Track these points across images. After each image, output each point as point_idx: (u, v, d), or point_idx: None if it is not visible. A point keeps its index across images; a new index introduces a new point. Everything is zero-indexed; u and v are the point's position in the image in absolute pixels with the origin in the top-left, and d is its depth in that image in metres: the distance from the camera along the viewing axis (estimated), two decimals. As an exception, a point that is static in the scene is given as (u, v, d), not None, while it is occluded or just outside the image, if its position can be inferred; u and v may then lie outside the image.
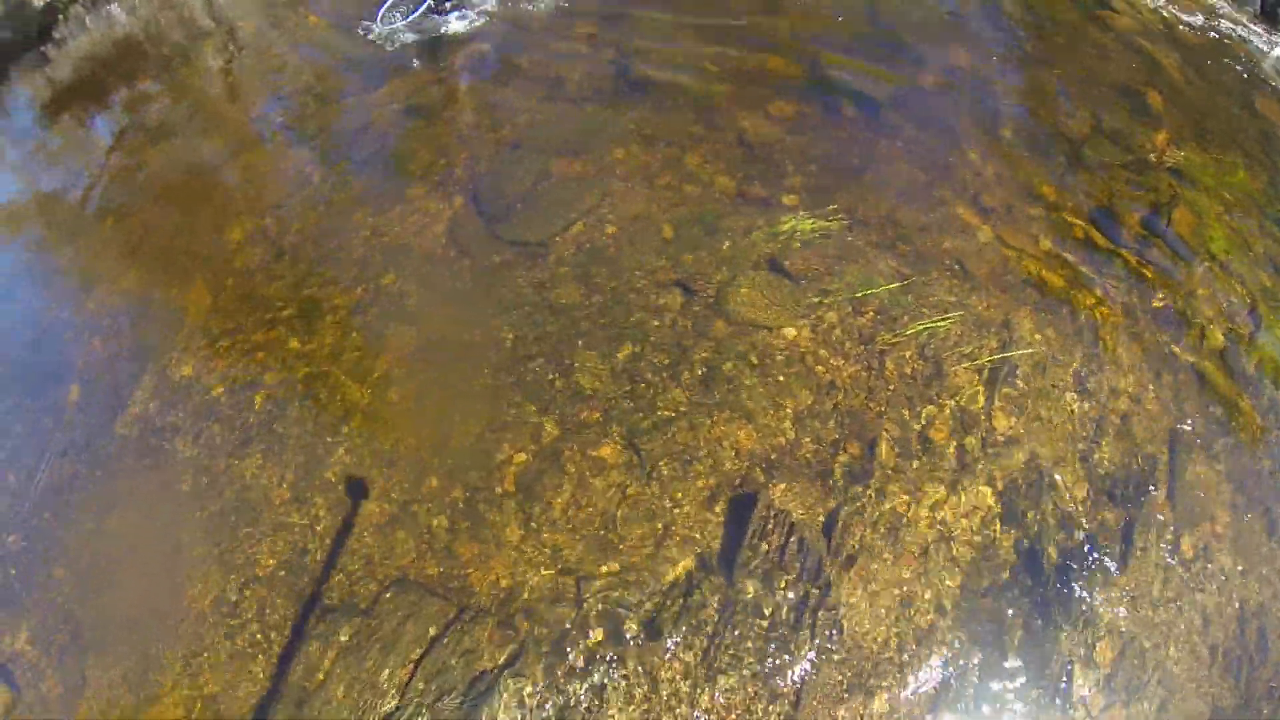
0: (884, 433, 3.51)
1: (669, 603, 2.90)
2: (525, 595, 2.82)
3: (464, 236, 3.66)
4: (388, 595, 2.60)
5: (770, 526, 3.11)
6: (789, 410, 3.31)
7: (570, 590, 2.81)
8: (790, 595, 2.95)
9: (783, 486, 3.27)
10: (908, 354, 3.56)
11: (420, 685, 2.43)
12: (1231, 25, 7.56)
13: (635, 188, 4.19)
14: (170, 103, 4.96)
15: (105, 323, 3.75)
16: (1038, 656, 2.98)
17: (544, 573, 2.87)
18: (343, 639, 2.52)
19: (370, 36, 5.09)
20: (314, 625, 2.59)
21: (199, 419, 3.16)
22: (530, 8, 5.67)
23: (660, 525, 3.01)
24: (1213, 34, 7.19)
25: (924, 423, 3.37)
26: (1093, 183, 4.89)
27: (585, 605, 2.82)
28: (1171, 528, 3.51)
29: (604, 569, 2.91)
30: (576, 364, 3.38)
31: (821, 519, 3.23)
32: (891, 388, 3.44)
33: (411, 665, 2.46)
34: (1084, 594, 3.35)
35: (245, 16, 5.75)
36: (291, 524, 2.93)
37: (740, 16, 5.85)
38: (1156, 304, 4.52)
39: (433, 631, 2.56)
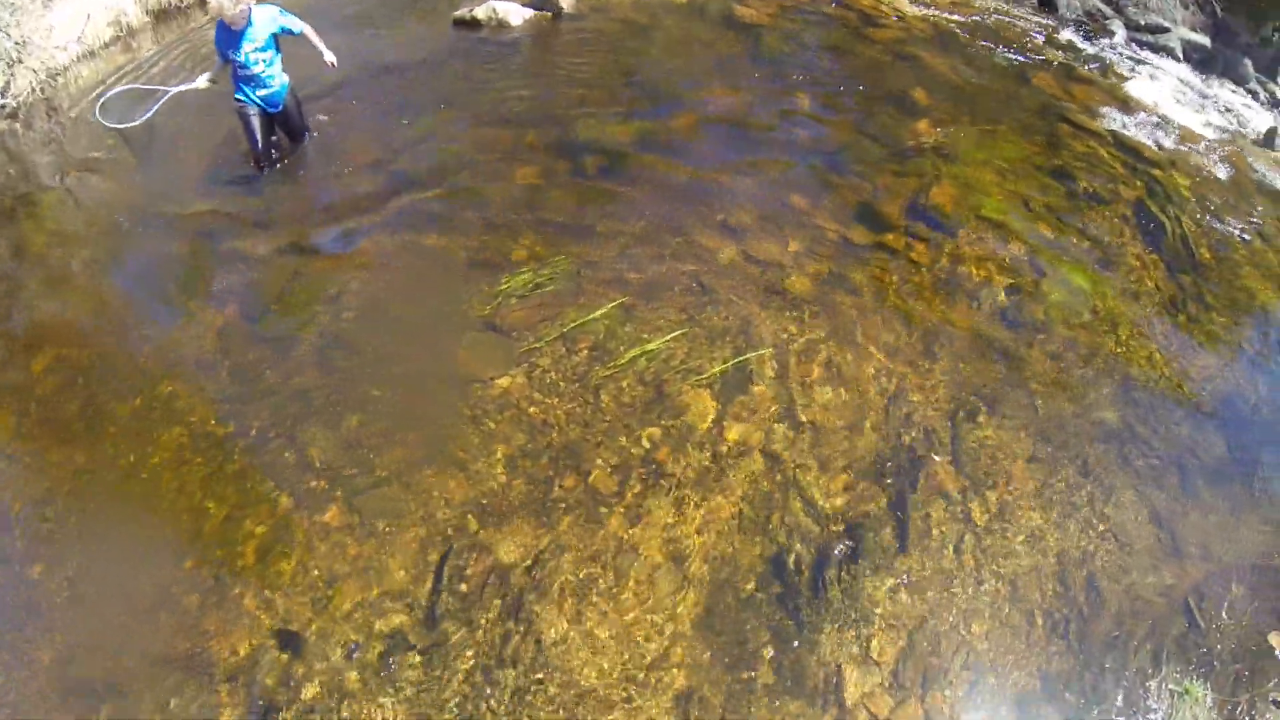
0: (599, 462, 4.19)
1: (379, 650, 3.57)
2: (259, 660, 3.52)
3: (229, 339, 4.88)
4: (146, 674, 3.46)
5: (469, 569, 3.78)
6: (500, 455, 3.84)
7: (292, 649, 3.57)
8: (493, 634, 3.56)
9: (491, 529, 3.94)
10: (625, 382, 4.19)
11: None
12: (1008, 18, 9.16)
13: (375, 275, 5.39)
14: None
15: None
16: (794, 668, 3.32)
17: (270, 641, 3.60)
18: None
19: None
20: (73, 704, 3.36)
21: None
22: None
23: (375, 580, 3.77)
24: (988, 29, 9.41)
25: (647, 446, 3.91)
26: (853, 185, 5.86)
27: (306, 662, 3.52)
28: (958, 498, 4.00)
29: (321, 627, 3.63)
30: (309, 440, 4.28)
31: (529, 558, 3.85)
32: (608, 418, 3.99)
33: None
34: (850, 590, 3.88)
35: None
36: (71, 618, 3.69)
37: (507, 95, 7.02)
38: (923, 279, 5.54)
39: (173, 703, 3.39)
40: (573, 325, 4.72)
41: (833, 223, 5.75)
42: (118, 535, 4.02)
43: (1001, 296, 5.36)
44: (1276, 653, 4.23)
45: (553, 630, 3.51)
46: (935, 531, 4.04)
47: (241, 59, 5.52)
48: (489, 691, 3.41)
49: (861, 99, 7.38)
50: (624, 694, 3.36)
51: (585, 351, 4.59)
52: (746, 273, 5.23)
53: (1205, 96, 10.79)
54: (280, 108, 5.97)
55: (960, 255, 5.57)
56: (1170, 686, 3.87)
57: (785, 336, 4.81)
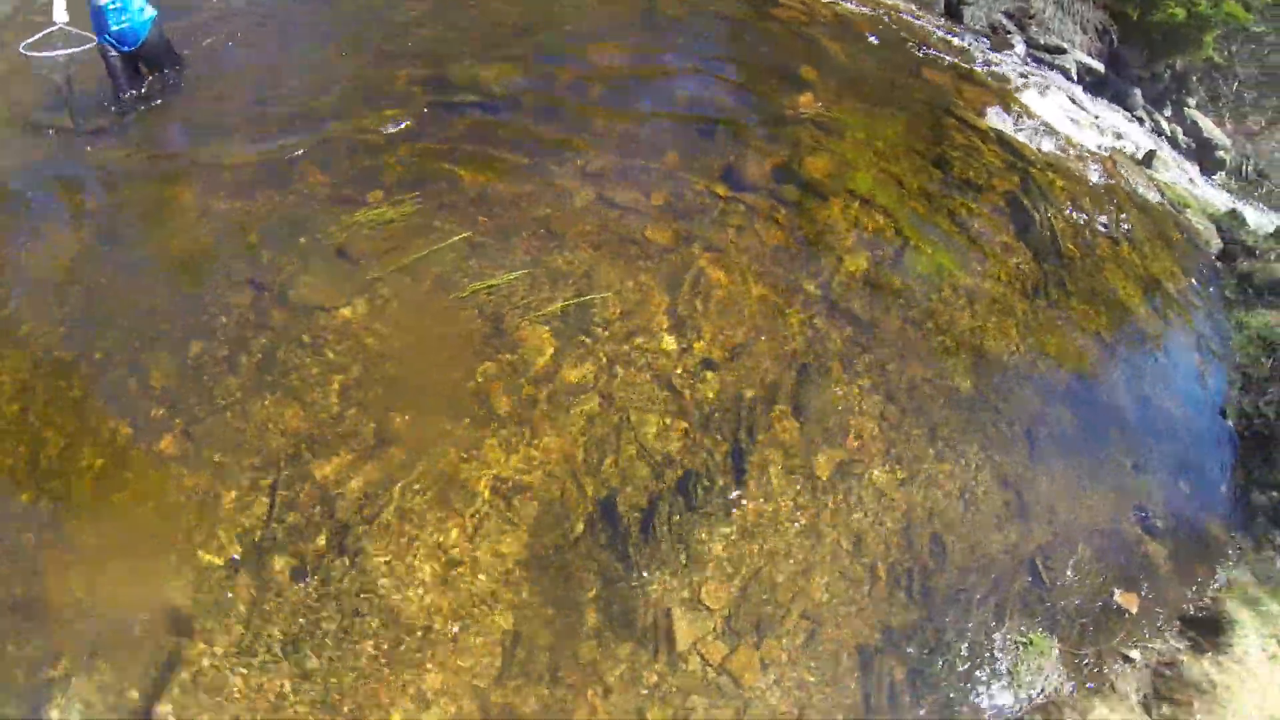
0: (434, 396, 4.23)
1: (205, 590, 3.60)
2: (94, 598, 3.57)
3: (82, 262, 5.00)
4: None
5: (300, 499, 3.79)
6: (335, 386, 3.70)
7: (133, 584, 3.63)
8: (321, 567, 3.57)
9: (322, 460, 3.94)
10: (465, 315, 4.03)
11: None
12: (913, 18, 9.64)
13: (235, 204, 5.36)
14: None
15: None
16: (623, 611, 3.19)
17: (110, 574, 3.65)
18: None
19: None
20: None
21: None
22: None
23: (210, 512, 3.79)
24: (891, 24, 10.02)
25: (480, 380, 3.77)
26: (725, 147, 6.03)
27: (144, 600, 3.59)
28: (801, 452, 3.98)
29: (160, 564, 3.67)
30: (152, 366, 4.36)
31: (359, 490, 3.84)
32: (445, 351, 3.83)
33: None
34: (681, 535, 3.92)
35: None
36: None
37: (395, 33, 6.96)
38: (783, 240, 5.72)
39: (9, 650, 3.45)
40: (417, 256, 4.62)
41: (699, 179, 5.85)
42: None
43: (863, 264, 5.50)
44: (1124, 610, 4.40)
45: (379, 565, 3.51)
46: (774, 483, 4.08)
47: None
48: (315, 624, 3.45)
49: (748, 69, 7.66)
50: (449, 632, 3.23)
51: (429, 284, 4.57)
52: (602, 218, 5.22)
53: (1093, 115, 11.65)
54: (138, 44, 5.88)
55: (824, 222, 5.77)
56: (1015, 638, 3.96)
57: (631, 284, 4.79)
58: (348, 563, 3.50)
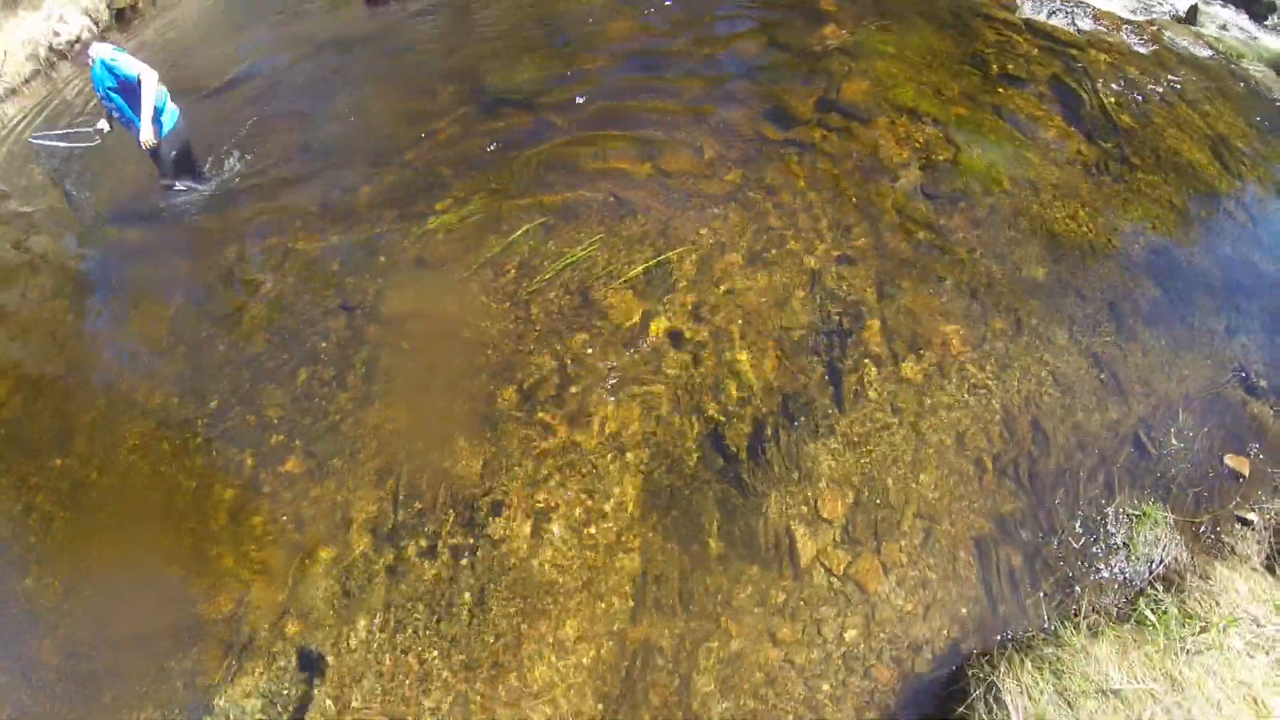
0: (534, 371, 4.56)
1: (347, 584, 3.98)
2: (243, 610, 4.01)
3: (179, 324, 5.47)
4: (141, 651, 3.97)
5: (423, 488, 4.18)
6: (441, 380, 4.09)
7: (275, 590, 4.04)
8: (452, 543, 3.95)
9: (438, 448, 4.34)
10: (552, 295, 4.43)
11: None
12: None
13: (310, 242, 5.85)
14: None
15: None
16: (745, 535, 3.52)
17: (253, 587, 4.08)
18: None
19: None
20: (77, 695, 3.84)
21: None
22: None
23: (340, 515, 4.20)
24: None
25: (579, 348, 4.10)
26: (763, 92, 6.26)
27: (287, 604, 3.99)
28: (890, 361, 4.25)
29: (295, 568, 4.09)
30: (265, 401, 4.77)
31: (478, 469, 4.21)
32: (539, 329, 4.20)
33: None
34: (791, 455, 4.17)
35: None
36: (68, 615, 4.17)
37: (422, 60, 7.41)
38: (839, 166, 5.89)
39: (172, 667, 3.94)
40: (496, 250, 4.94)
41: (746, 127, 6.07)
42: (100, 529, 4.40)
43: (918, 173, 5.66)
44: (1237, 474, 4.52)
45: (507, 532, 3.85)
46: (871, 393, 4.31)
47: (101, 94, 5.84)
48: (454, 595, 3.77)
49: (766, 16, 7.75)
50: (582, 581, 3.55)
51: (512, 273, 4.93)
52: (663, 182, 5.51)
53: (1127, -16, 11.28)
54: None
55: (873, 141, 5.92)
56: (1127, 511, 4.13)
57: (704, 233, 5.06)
58: (476, 535, 3.86)
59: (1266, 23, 12.81)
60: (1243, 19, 12.49)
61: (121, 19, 9.07)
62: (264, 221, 6.09)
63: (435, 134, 6.53)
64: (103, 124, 6.21)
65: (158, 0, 9.65)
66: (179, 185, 6.38)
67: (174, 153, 6.23)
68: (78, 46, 8.17)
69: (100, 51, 5.67)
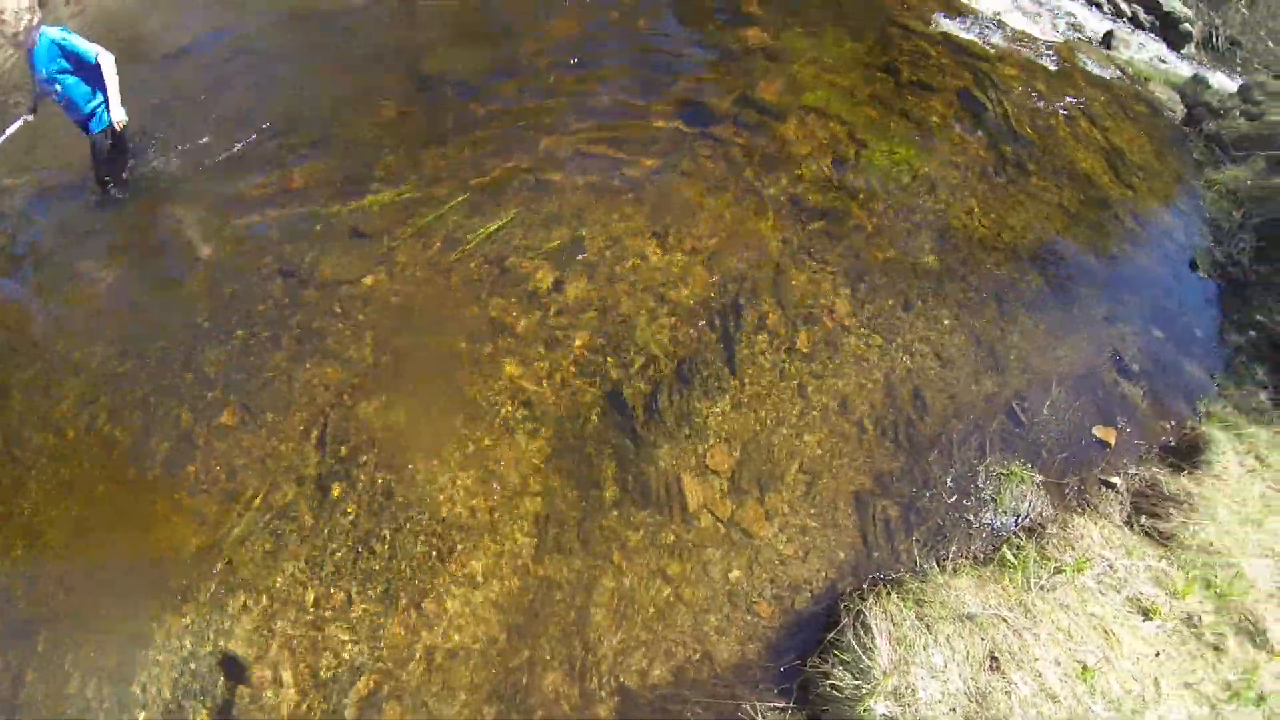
0: (454, 331, 4.96)
1: (275, 527, 4.31)
2: (177, 553, 4.27)
3: (119, 291, 5.69)
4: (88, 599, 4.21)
5: (346, 435, 4.53)
6: (369, 340, 4.46)
7: (204, 535, 4.33)
8: (371, 484, 4.30)
9: (363, 401, 4.69)
10: (473, 264, 4.80)
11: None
12: None
13: (253, 209, 6.13)
14: None
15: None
16: (638, 483, 3.93)
17: (184, 531, 4.35)
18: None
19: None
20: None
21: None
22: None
23: (270, 463, 4.49)
24: None
25: (495, 312, 4.51)
26: (683, 88, 6.85)
27: (223, 543, 4.28)
28: (784, 331, 4.73)
29: (229, 515, 4.37)
30: (202, 360, 5.04)
31: (401, 421, 4.59)
32: (459, 294, 4.60)
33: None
34: (683, 412, 4.62)
35: None
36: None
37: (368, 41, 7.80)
38: (749, 160, 6.41)
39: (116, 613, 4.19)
40: (423, 222, 5.37)
41: (664, 121, 6.56)
42: (36, 484, 4.60)
43: (826, 168, 6.21)
44: (1103, 443, 5.10)
45: (421, 474, 4.25)
46: (762, 360, 4.79)
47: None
48: (373, 534, 4.15)
49: (695, 13, 8.34)
50: (488, 520, 3.97)
51: (438, 244, 5.30)
52: (582, 165, 5.96)
53: (1046, 6, 12.19)
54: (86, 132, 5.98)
55: (785, 138, 6.47)
56: (997, 470, 4.67)
57: (618, 215, 5.52)
58: (395, 479, 4.23)
59: (1182, 51, 13.88)
60: (1160, 46, 13.55)
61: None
62: (204, 194, 6.35)
63: (375, 113, 6.86)
64: (29, 115, 5.98)
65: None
66: (112, 186, 6.29)
67: (110, 144, 6.09)
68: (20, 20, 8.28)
69: (49, 31, 5.44)
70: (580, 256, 5.19)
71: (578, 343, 4.70)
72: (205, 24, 8.11)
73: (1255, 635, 4.11)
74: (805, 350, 4.91)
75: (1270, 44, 15.04)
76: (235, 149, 6.71)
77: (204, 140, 6.89)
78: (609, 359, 4.65)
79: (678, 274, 5.19)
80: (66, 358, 5.20)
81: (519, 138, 6.41)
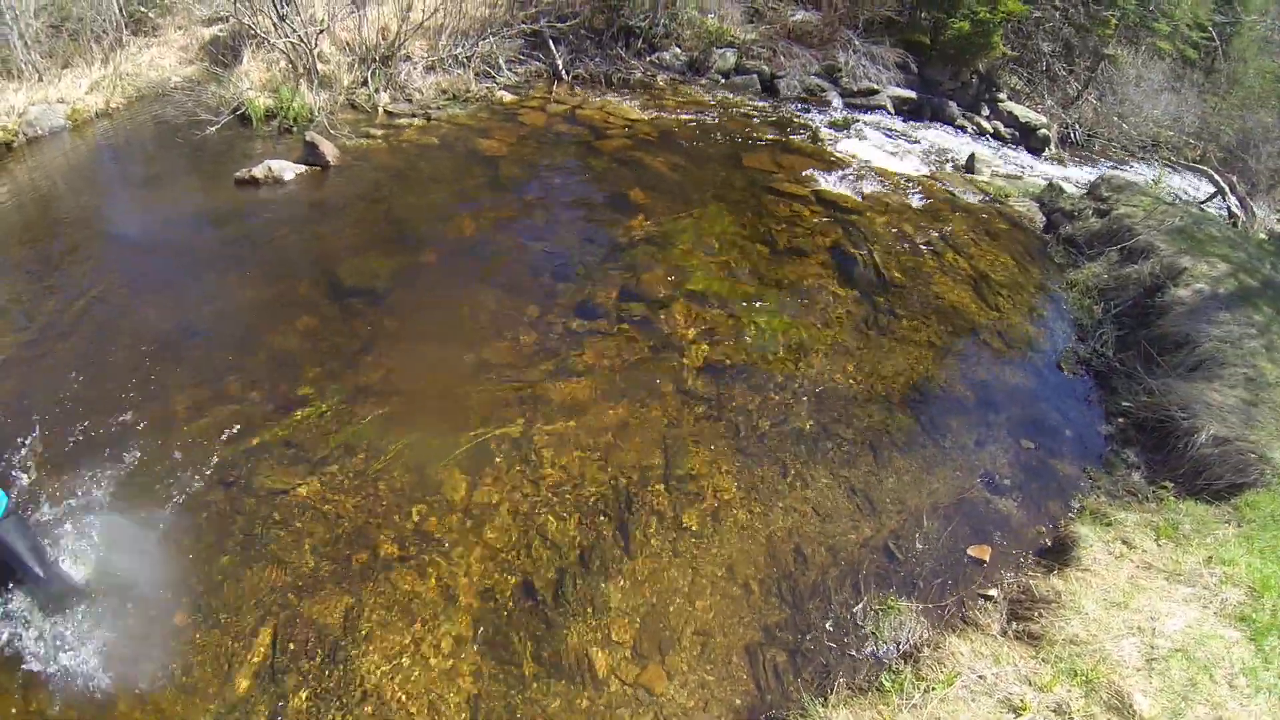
0: (383, 537, 5.90)
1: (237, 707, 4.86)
2: None
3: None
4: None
5: (295, 633, 5.32)
6: (307, 546, 5.66)
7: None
8: (320, 675, 5.09)
9: (308, 601, 5.48)
10: (395, 472, 6.04)
11: None
12: (735, 110, 12.48)
13: (192, 424, 6.86)
14: None
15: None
16: (552, 659, 5.07)
17: None
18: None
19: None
20: None
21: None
22: None
23: (224, 658, 5.17)
24: (709, 125, 12.57)
25: (416, 519, 5.76)
26: (575, 287, 8.40)
27: None
28: (673, 513, 5.97)
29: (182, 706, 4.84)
30: None
31: (340, 617, 5.40)
32: (384, 502, 5.82)
33: None
34: (586, 594, 5.58)
35: None
36: None
37: (283, 249, 9.32)
38: (636, 353, 7.66)
39: None
40: (350, 433, 6.60)
41: (557, 320, 7.97)
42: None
43: (706, 352, 7.64)
44: (978, 560, 6.26)
45: (364, 664, 5.11)
46: (653, 541, 5.99)
47: None
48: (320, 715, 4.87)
49: (587, 208, 10.06)
50: (427, 701, 5.01)
51: (362, 455, 6.46)
52: (489, 372, 7.30)
53: (914, 141, 14.22)
54: None
55: (669, 327, 7.87)
56: (875, 606, 5.84)
57: (521, 420, 6.83)
58: (340, 668, 5.08)
59: (1042, 155, 16.03)
60: (1022, 154, 15.65)
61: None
62: (134, 400, 7.08)
63: (295, 325, 7.91)
64: None
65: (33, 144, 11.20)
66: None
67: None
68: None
69: None
70: (491, 461, 6.44)
71: (492, 541, 5.88)
72: (124, 249, 9.14)
73: (1123, 709, 5.13)
74: (694, 527, 6.11)
75: (1124, 126, 17.28)
76: (167, 355, 7.48)
77: (128, 341, 7.61)
78: (520, 554, 5.80)
79: (575, 471, 6.44)
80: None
81: (425, 353, 7.61)
